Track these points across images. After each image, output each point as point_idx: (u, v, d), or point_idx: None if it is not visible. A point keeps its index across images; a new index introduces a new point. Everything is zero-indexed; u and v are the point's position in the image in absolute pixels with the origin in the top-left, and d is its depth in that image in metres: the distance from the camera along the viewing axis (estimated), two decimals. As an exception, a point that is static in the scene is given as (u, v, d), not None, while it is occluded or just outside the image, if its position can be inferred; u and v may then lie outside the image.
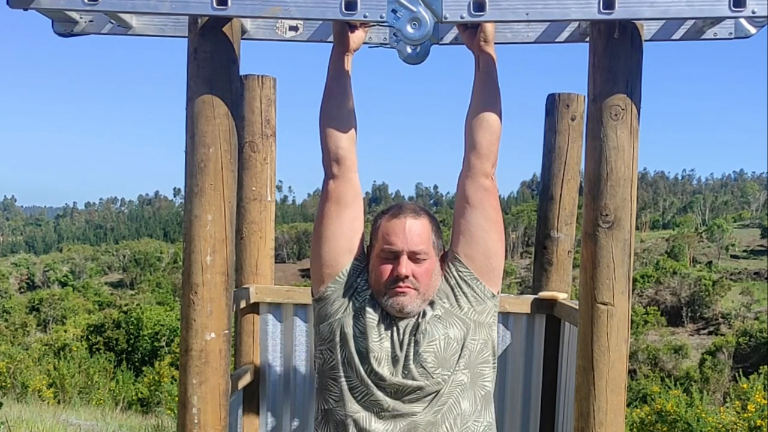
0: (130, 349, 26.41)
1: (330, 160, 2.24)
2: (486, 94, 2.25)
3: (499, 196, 2.33)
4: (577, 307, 2.43)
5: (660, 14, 2.11)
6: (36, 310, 47.70)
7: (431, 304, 2.18)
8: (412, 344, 2.13)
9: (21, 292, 71.42)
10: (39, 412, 9.47)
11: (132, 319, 27.22)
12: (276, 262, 3.53)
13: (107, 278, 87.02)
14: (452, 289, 2.22)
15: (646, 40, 2.28)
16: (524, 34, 2.70)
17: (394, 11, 2.12)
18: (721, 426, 8.32)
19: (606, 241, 2.22)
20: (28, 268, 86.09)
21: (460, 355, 2.15)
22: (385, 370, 2.12)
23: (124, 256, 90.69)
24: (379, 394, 2.12)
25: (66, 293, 53.97)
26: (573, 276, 3.47)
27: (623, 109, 2.19)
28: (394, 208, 2.25)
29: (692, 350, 40.45)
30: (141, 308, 29.37)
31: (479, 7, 2.11)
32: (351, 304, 2.20)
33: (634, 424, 9.21)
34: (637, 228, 4.02)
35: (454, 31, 2.70)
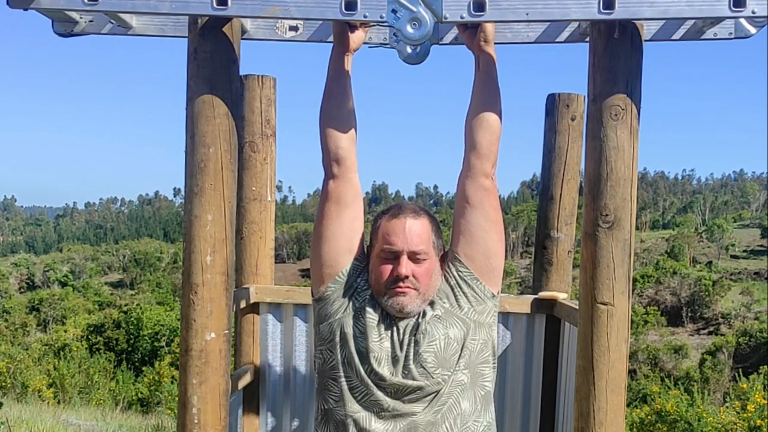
0: (130, 349, 26.42)
1: (330, 160, 2.24)
2: (486, 94, 2.25)
3: (499, 196, 2.33)
4: (577, 307, 2.43)
5: (660, 14, 2.11)
6: (36, 310, 47.71)
7: (431, 304, 2.18)
8: (412, 344, 2.13)
9: (21, 292, 71.43)
10: (39, 412, 9.47)
11: (132, 319, 27.23)
12: (276, 262, 3.54)
13: (107, 278, 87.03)
14: (452, 289, 2.21)
15: (646, 40, 2.28)
16: (524, 34, 2.70)
17: (394, 11, 2.12)
18: (720, 426, 8.32)
19: (606, 241, 2.22)
20: (28, 268, 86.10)
21: (460, 355, 2.15)
22: (385, 370, 2.12)
23: (124, 256, 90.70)
24: (379, 394, 2.12)
25: (66, 293, 53.99)
26: (573, 276, 3.47)
27: (623, 109, 2.19)
28: (394, 208, 2.25)
29: (692, 350, 40.45)
30: (141, 308, 29.38)
31: (479, 7, 2.11)
32: (351, 304, 2.20)
33: (634, 424, 9.22)
34: (637, 228, 4.02)
35: (454, 31, 2.70)
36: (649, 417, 9.06)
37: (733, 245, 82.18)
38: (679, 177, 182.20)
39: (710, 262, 74.70)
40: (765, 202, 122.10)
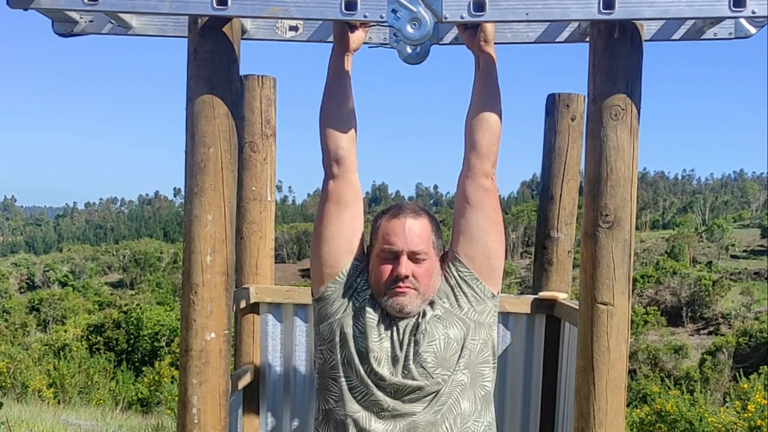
0: (130, 349, 26.41)
1: (330, 160, 2.24)
2: (486, 94, 2.25)
3: (499, 196, 2.33)
4: (577, 307, 2.43)
5: (660, 14, 2.11)
6: (36, 310, 47.70)
7: (431, 304, 2.18)
8: (412, 344, 2.13)
9: (21, 292, 71.42)
10: (39, 412, 9.47)
11: (132, 319, 27.22)
12: (276, 262, 3.54)
13: (107, 278, 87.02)
14: (452, 289, 2.21)
15: (646, 40, 2.28)
16: (524, 34, 2.70)
17: (394, 11, 2.12)
18: (721, 426, 8.32)
19: (606, 241, 2.22)
20: (28, 268, 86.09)
21: (460, 355, 2.15)
22: (384, 370, 2.12)
23: (124, 256, 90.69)
24: (379, 394, 2.12)
25: (66, 293, 53.98)
26: (573, 276, 3.47)
27: (623, 109, 2.19)
28: (394, 208, 2.25)
29: (692, 350, 40.43)
30: (141, 308, 29.37)
31: (479, 7, 2.11)
32: (351, 304, 2.20)
33: (634, 424, 9.22)
34: (637, 228, 4.02)
35: (454, 31, 2.70)
36: (649, 417, 9.07)
37: (733, 245, 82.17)
38: (679, 177, 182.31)
39: (710, 262, 74.69)
40: (765, 202, 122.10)
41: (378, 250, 2.18)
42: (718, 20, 2.43)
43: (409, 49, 2.52)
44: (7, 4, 2.16)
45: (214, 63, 2.24)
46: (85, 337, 26.69)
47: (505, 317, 3.26)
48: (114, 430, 8.71)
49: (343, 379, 2.16)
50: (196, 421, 2.27)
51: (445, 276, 2.23)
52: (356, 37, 2.31)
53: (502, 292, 2.37)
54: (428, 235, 2.19)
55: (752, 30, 2.46)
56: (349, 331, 2.16)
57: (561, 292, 3.30)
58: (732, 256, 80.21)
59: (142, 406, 15.36)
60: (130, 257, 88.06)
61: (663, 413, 8.76)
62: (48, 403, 12.27)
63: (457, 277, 2.21)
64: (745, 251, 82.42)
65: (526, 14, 2.13)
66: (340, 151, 2.23)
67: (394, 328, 2.16)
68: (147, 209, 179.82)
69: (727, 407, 9.99)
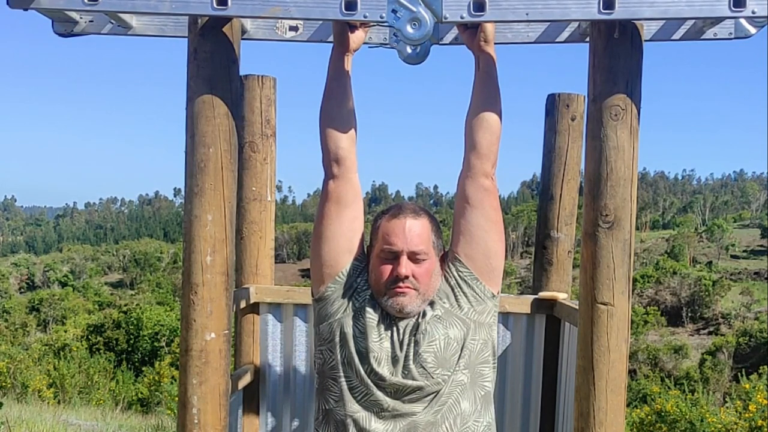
0: (130, 349, 26.39)
1: (330, 160, 2.24)
2: (486, 94, 2.25)
3: (499, 196, 2.33)
4: (577, 307, 2.43)
5: (660, 14, 2.11)
6: (36, 310, 47.68)
7: (431, 304, 2.18)
8: (412, 344, 2.13)
9: (21, 292, 71.43)
10: (39, 412, 9.46)
11: (132, 319, 27.21)
12: (276, 262, 3.54)
13: (107, 278, 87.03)
14: (452, 289, 2.22)
15: (646, 40, 2.28)
16: (524, 34, 2.70)
17: (394, 11, 2.12)
18: (722, 426, 8.32)
19: (606, 241, 2.22)
20: (28, 268, 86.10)
21: (460, 355, 2.15)
22: (384, 370, 2.12)
23: (124, 256, 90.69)
24: (379, 394, 2.12)
25: (66, 293, 53.95)
26: (573, 276, 3.47)
27: (623, 109, 2.19)
28: (394, 208, 2.25)
29: (692, 350, 40.44)
30: (141, 308, 29.35)
31: (479, 7, 2.11)
32: (351, 304, 2.20)
33: (634, 424, 9.22)
34: (637, 228, 4.02)
35: (454, 31, 2.70)
36: (649, 417, 9.07)
37: (733, 245, 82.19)
38: (679, 177, 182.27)
39: (710, 262, 74.69)
40: (765, 202, 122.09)
41: (378, 250, 2.18)
42: (718, 20, 2.43)
43: (409, 49, 2.52)
44: (7, 4, 2.16)
45: (214, 63, 2.24)
46: (85, 337, 26.69)
47: (505, 317, 3.26)
48: (114, 430, 8.71)
49: (343, 379, 2.16)
50: (196, 421, 2.27)
51: (445, 276, 2.23)
52: (356, 37, 2.31)
53: (502, 292, 2.37)
54: (428, 235, 2.19)
55: (752, 30, 2.46)
56: (349, 331, 2.16)
57: (561, 292, 3.30)
58: (732, 256, 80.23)
59: (142, 406, 15.36)
60: (130, 257, 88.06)
61: (663, 413, 8.76)
62: (48, 403, 12.27)
63: (457, 277, 2.21)
64: (745, 251, 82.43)
65: (526, 14, 2.13)
66: (340, 151, 2.23)
67: (394, 328, 2.16)
68: (147, 209, 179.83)
69: (728, 407, 10.00)
